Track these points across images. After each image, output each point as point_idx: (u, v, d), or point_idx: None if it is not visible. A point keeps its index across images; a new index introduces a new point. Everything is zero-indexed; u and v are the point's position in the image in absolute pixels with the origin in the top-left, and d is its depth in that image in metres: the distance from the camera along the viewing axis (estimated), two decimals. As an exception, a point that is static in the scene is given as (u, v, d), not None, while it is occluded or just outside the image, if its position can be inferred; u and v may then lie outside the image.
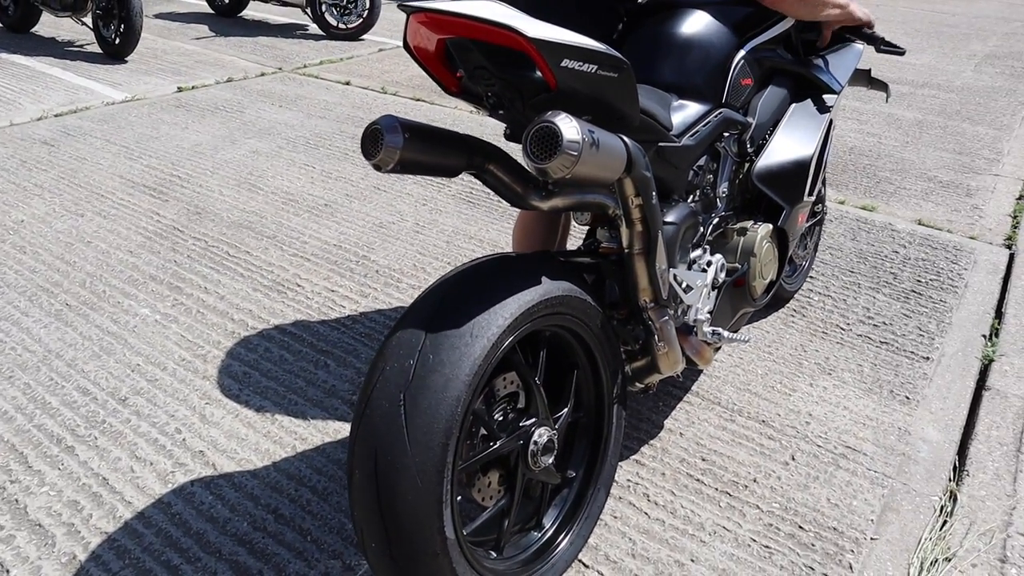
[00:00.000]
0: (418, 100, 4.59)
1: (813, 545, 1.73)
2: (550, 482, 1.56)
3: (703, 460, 1.96)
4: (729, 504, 1.83)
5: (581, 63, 1.29)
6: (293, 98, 4.64)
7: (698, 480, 1.90)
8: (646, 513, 1.80)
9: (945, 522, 1.81)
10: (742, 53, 1.83)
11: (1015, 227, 3.29)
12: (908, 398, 2.21)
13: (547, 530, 1.59)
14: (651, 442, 2.01)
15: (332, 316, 2.49)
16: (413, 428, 1.21)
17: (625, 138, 1.37)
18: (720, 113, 1.78)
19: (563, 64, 1.27)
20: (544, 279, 1.41)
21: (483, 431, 1.43)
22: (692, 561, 1.68)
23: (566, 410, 1.56)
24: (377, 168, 1.38)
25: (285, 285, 2.66)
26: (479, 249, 2.92)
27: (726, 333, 1.71)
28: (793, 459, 1.97)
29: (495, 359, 1.30)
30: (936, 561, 1.70)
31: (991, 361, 2.39)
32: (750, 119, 1.90)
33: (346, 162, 3.70)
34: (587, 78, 1.32)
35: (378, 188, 3.43)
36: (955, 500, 1.87)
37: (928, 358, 2.39)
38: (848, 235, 3.19)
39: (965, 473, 1.95)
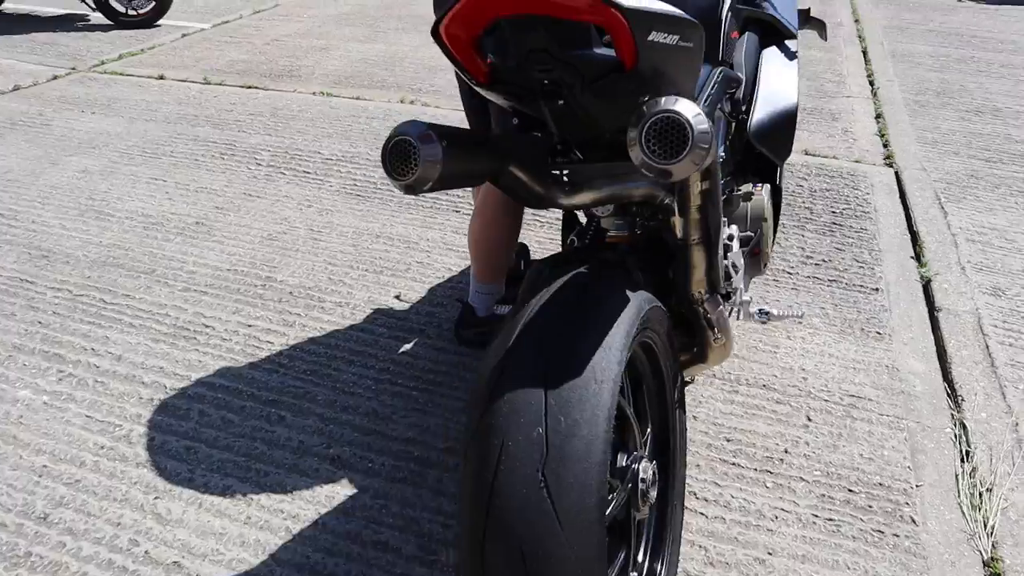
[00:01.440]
0: (251, 88, 4.11)
1: (870, 507, 1.69)
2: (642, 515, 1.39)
3: (728, 441, 1.87)
4: (775, 483, 1.75)
5: (666, 35, 1.10)
6: (105, 102, 4.00)
7: (734, 464, 1.80)
8: (703, 514, 1.68)
9: (968, 451, 1.84)
10: (728, 3, 1.69)
11: (887, 146, 3.45)
12: (880, 333, 2.23)
13: (642, 565, 1.42)
14: (670, 432, 1.89)
15: (261, 356, 2.15)
16: (564, 511, 0.99)
17: None
18: (721, 72, 1.63)
19: (650, 38, 1.07)
20: (628, 295, 1.22)
21: None
22: (770, 555, 1.59)
23: (648, 431, 1.39)
24: (410, 190, 1.12)
25: (190, 329, 2.27)
26: (392, 249, 2.64)
27: (775, 310, 1.60)
28: (810, 420, 1.93)
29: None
30: (980, 495, 1.72)
31: (929, 281, 2.48)
32: (740, 74, 1.77)
33: (199, 169, 3.23)
34: (667, 52, 1.13)
35: (249, 195, 3.03)
36: (965, 428, 1.91)
37: (877, 289, 2.44)
38: (745, 174, 3.20)
39: (960, 399, 1.99)
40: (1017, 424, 1.92)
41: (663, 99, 1.01)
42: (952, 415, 1.95)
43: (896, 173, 3.19)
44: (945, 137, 3.52)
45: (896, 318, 2.30)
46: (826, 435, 1.88)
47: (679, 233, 1.38)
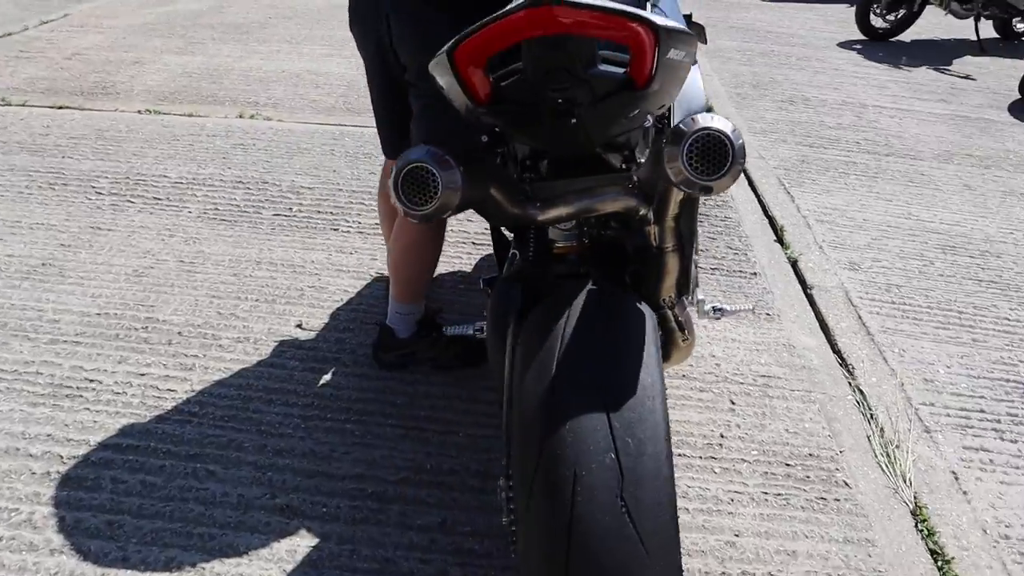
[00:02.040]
0: (63, 108, 3.70)
1: (808, 477, 1.83)
2: None
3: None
4: (722, 468, 1.85)
5: (679, 52, 1.13)
6: None
7: (681, 454, 1.88)
8: (666, 507, 1.74)
9: (871, 415, 2.04)
10: (649, 6, 1.75)
11: (722, 136, 3.71)
12: (769, 315, 2.41)
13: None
14: (614, 432, 1.94)
15: (166, 407, 1.96)
16: (647, 533, 1.00)
17: None
18: None
19: (668, 56, 1.10)
20: (638, 305, 1.24)
21: None
22: (737, 536, 1.68)
23: None
24: (425, 219, 1.09)
25: (72, 386, 2.02)
26: (279, 276, 2.49)
27: (728, 306, 1.68)
28: (734, 403, 2.05)
29: None
30: (891, 452, 1.92)
31: (796, 262, 2.71)
32: None
33: (28, 203, 2.87)
34: (675, 69, 1.16)
35: (97, 228, 2.73)
36: (863, 393, 2.11)
37: (756, 273, 2.63)
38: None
39: (851, 367, 2.21)
40: (903, 384, 2.15)
41: (699, 116, 1.04)
42: (849, 383, 2.15)
43: (739, 162, 3.44)
44: (771, 126, 3.86)
45: (779, 299, 2.50)
46: (752, 416, 2.01)
47: (655, 240, 1.42)
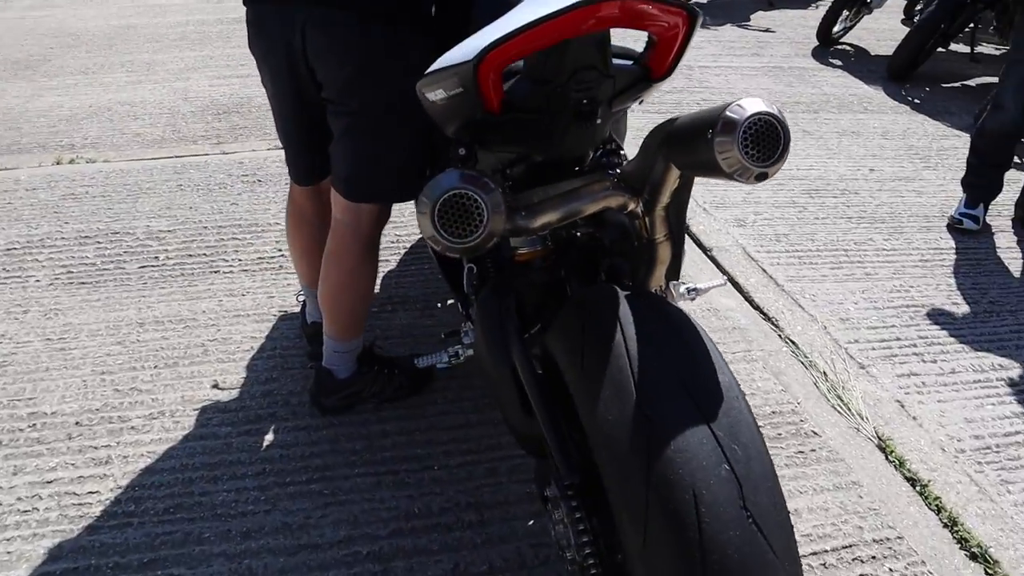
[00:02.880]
0: None
1: (780, 434, 1.89)
2: None
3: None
4: (702, 443, 1.86)
5: (692, 37, 1.10)
6: None
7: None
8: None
9: (811, 362, 2.13)
10: None
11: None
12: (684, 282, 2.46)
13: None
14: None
15: (94, 514, 1.69)
16: (773, 538, 0.97)
17: None
18: None
19: (691, 43, 1.07)
20: (669, 304, 1.20)
21: None
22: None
23: None
24: (470, 252, 1.01)
25: (-36, 513, 1.70)
26: (171, 334, 2.22)
27: (700, 285, 1.68)
28: (687, 377, 2.07)
29: None
30: (839, 396, 2.02)
31: (687, 227, 2.78)
32: None
33: None
34: (681, 55, 1.13)
35: (-77, 319, 2.31)
36: (795, 343, 2.21)
37: (657, 244, 2.67)
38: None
39: (775, 320, 2.30)
40: (825, 327, 2.27)
41: (744, 102, 1.00)
42: (780, 336, 2.24)
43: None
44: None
45: (686, 266, 2.55)
46: (707, 386, 2.04)
47: (647, 232, 1.38)
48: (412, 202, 1.45)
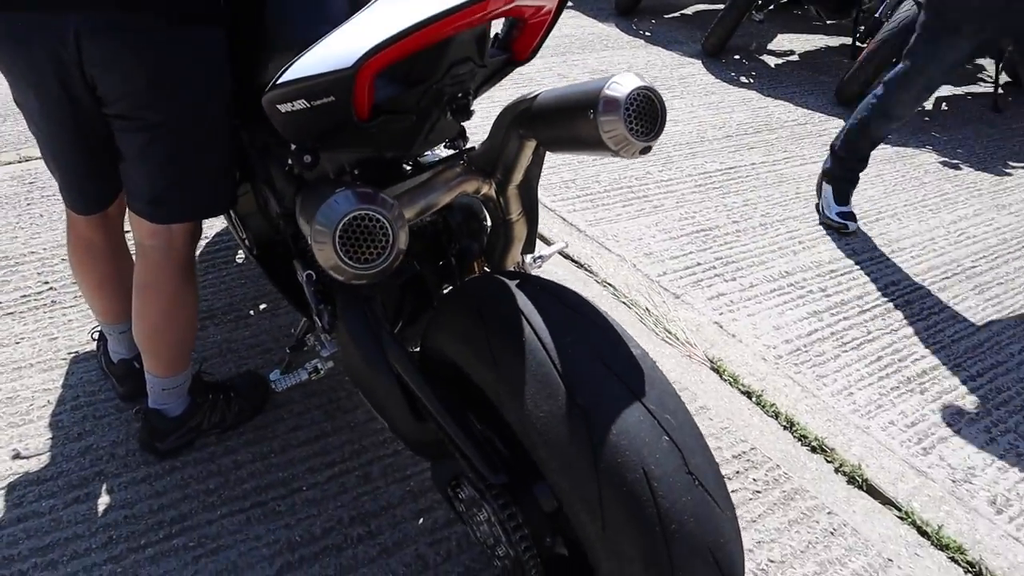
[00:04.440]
0: None
1: (627, 376, 1.99)
2: None
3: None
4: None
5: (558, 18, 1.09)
6: None
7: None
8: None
9: (632, 300, 2.26)
10: None
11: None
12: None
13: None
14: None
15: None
16: (715, 492, 1.03)
17: None
18: None
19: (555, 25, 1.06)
20: (567, 286, 1.21)
21: None
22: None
23: None
24: (380, 276, 0.96)
25: None
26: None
27: (545, 251, 1.69)
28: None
29: None
30: (664, 327, 2.16)
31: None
32: None
33: None
34: (546, 36, 1.12)
35: None
36: (612, 285, 2.32)
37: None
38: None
39: (587, 267, 2.40)
40: (635, 265, 2.41)
41: (619, 78, 1.01)
42: (597, 281, 2.34)
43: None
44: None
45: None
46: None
47: (501, 212, 1.37)
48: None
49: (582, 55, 3.98)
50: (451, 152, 1.37)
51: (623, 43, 4.20)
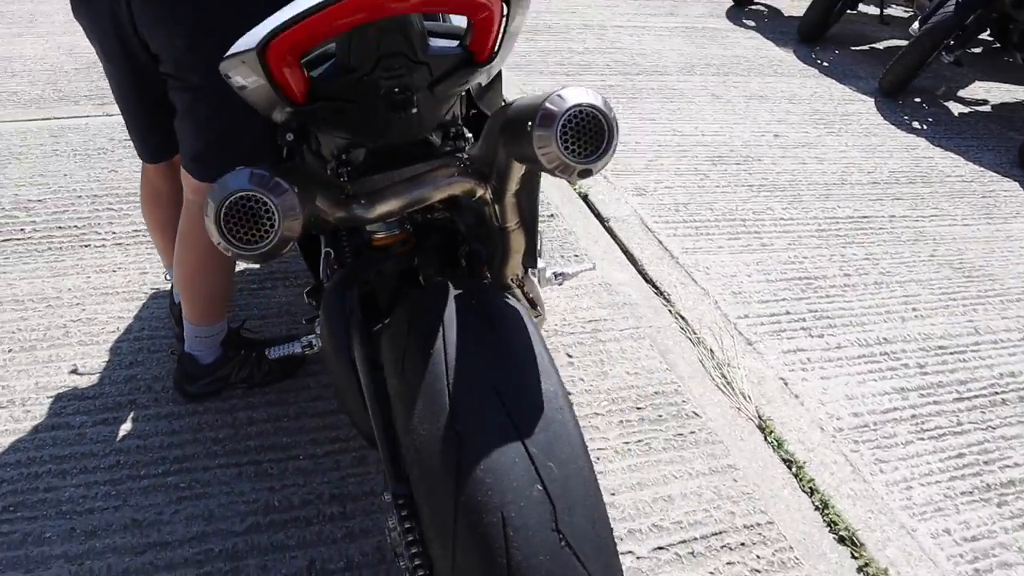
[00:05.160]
0: None
1: (661, 416, 1.86)
2: None
3: (517, 402, 1.88)
4: (582, 426, 1.82)
5: (524, 14, 1.01)
6: None
7: (536, 422, 1.83)
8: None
9: (698, 338, 2.10)
10: None
11: (482, 75, 3.62)
12: (577, 255, 2.41)
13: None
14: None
15: (-75, 512, 1.58)
16: (589, 557, 0.92)
17: None
18: None
19: (515, 23, 0.99)
20: (509, 301, 1.14)
21: None
22: (613, 495, 1.67)
23: None
24: (265, 259, 0.91)
25: None
26: (30, 315, 2.08)
27: (569, 270, 1.61)
28: (570, 356, 2.03)
29: None
30: (725, 374, 1.99)
31: (586, 196, 2.72)
32: None
33: None
34: (516, 34, 1.04)
35: None
36: (684, 319, 2.17)
37: (552, 215, 2.60)
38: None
39: (667, 295, 2.26)
40: (716, 302, 2.24)
41: (566, 92, 0.93)
42: (670, 311, 2.20)
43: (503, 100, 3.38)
44: (524, 58, 3.82)
45: (582, 238, 2.50)
46: (591, 365, 2.00)
47: (497, 220, 1.30)
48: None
49: (744, 78, 3.77)
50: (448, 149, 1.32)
51: (794, 71, 3.93)
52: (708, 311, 2.21)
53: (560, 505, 0.91)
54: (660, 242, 2.48)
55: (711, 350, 2.06)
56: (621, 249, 2.46)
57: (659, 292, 2.27)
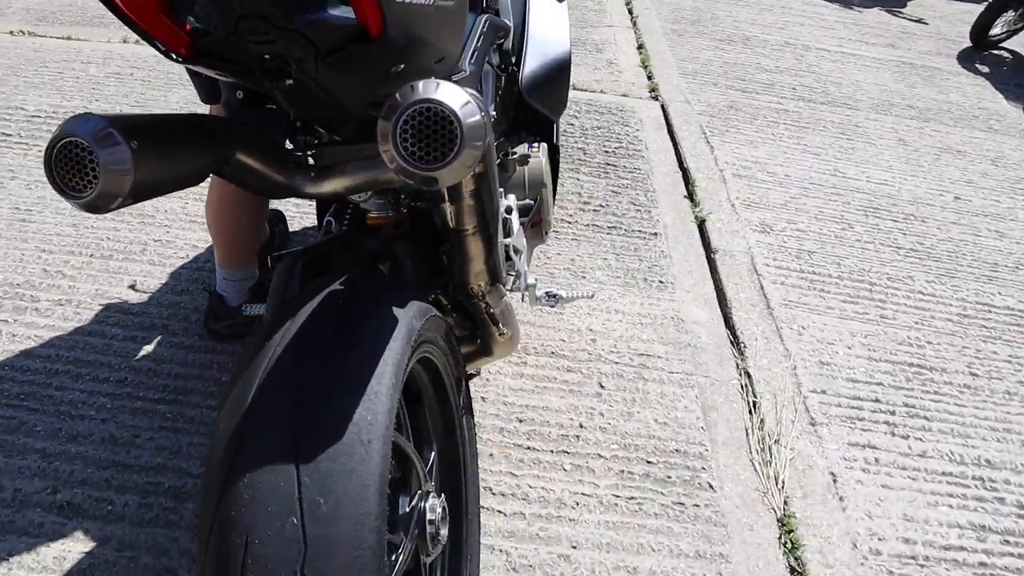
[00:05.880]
0: (68, 38, 3.33)
1: (669, 477, 1.64)
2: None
3: (520, 421, 1.74)
4: (573, 465, 1.65)
5: None
6: None
7: (528, 448, 1.68)
8: (500, 511, 1.55)
9: (755, 403, 1.84)
10: None
11: (651, 78, 3.43)
12: (662, 282, 2.20)
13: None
14: (461, 420, 1.73)
15: (-43, 381, 1.72)
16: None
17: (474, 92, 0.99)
18: (487, 20, 1.42)
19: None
20: (397, 312, 1.01)
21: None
22: (574, 548, 1.49)
23: (433, 454, 1.21)
24: (92, 209, 0.84)
25: None
26: (123, 227, 2.23)
27: (563, 292, 1.45)
28: (602, 387, 1.85)
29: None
30: (769, 448, 1.73)
31: (703, 222, 2.48)
32: (507, 21, 1.56)
33: None
34: (423, 14, 0.90)
35: (-70, 166, 2.44)
36: (750, 377, 1.91)
37: (656, 234, 2.40)
38: (518, 114, 3.05)
39: (742, 345, 2.00)
40: (796, 368, 1.95)
41: (420, 84, 0.79)
42: (737, 365, 1.95)
43: (662, 107, 3.17)
44: (704, 67, 3.57)
45: (676, 264, 2.28)
46: (620, 402, 1.81)
47: (452, 222, 1.18)
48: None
49: (946, 128, 3.26)
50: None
51: (1014, 129, 3.37)
52: (781, 375, 1.93)
53: (314, 549, 0.79)
54: (761, 287, 2.21)
55: (763, 419, 1.80)
56: (714, 285, 2.21)
57: (735, 342, 2.02)
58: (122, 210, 2.29)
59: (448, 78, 1.23)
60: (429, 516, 1.08)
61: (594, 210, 2.49)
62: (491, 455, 1.66)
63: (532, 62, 1.59)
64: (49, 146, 0.81)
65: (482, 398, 1.79)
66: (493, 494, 1.57)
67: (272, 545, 0.78)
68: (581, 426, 1.74)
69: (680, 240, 2.38)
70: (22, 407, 1.67)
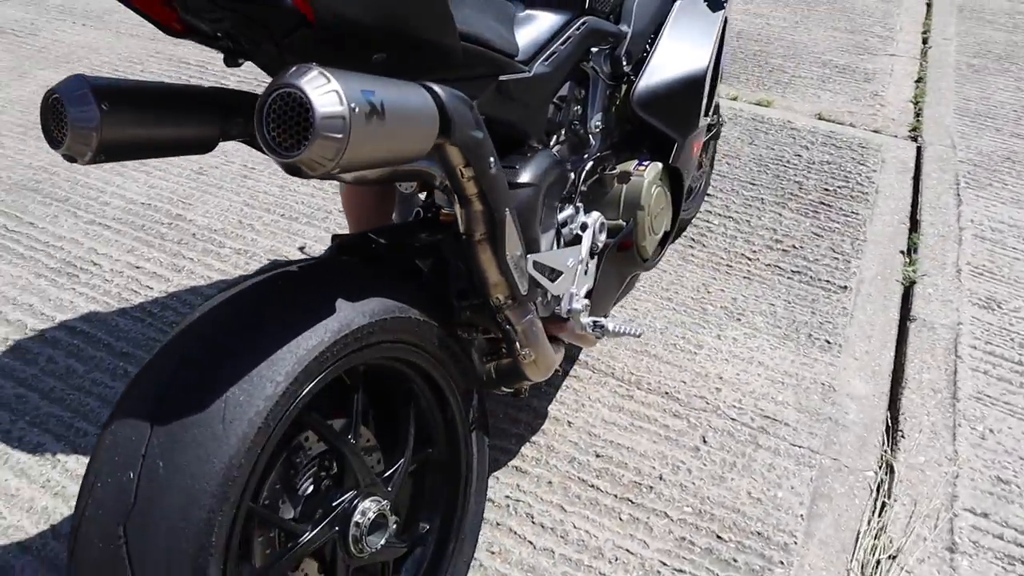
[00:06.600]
0: None
1: (735, 561, 1.42)
2: (391, 558, 1.17)
3: (597, 456, 1.61)
4: (632, 516, 1.49)
5: None
6: (99, 13, 3.88)
7: (592, 486, 1.55)
8: (531, 542, 1.44)
9: (884, 504, 1.53)
10: None
11: (918, 115, 2.99)
12: (829, 342, 1.90)
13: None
14: (533, 438, 1.64)
15: (135, 302, 1.99)
16: (144, 573, 0.79)
17: (435, 87, 0.92)
18: (584, 23, 1.32)
19: None
20: (342, 303, 0.98)
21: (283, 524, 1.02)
22: (591, 606, 1.35)
23: (402, 462, 1.15)
24: (70, 159, 0.91)
25: (77, 265, 2.12)
26: (319, 194, 2.43)
27: (611, 325, 1.32)
28: (704, 441, 1.65)
29: (269, 442, 0.89)
30: (879, 562, 1.42)
31: (912, 283, 2.10)
32: (623, 27, 1.45)
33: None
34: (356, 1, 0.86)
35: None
36: (892, 472, 1.59)
37: (846, 287, 2.09)
38: (745, 138, 2.82)
39: (899, 434, 1.67)
40: (957, 476, 1.59)
41: (294, 67, 0.75)
42: (882, 455, 1.63)
43: (918, 148, 2.75)
44: (991, 110, 3.03)
45: (856, 326, 1.96)
46: (717, 463, 1.60)
47: (461, 226, 1.11)
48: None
49: None
50: None
51: None
52: (934, 480, 1.58)
53: (140, 508, 0.80)
54: (955, 371, 1.82)
55: (885, 526, 1.48)
56: (894, 358, 1.87)
57: (892, 428, 1.69)
58: (327, 182, 2.49)
59: (493, 77, 1.17)
60: (356, 518, 1.03)
61: (783, 250, 2.22)
62: (549, 483, 1.55)
63: (653, 74, 1.46)
64: (43, 98, 0.90)
65: (569, 422, 1.68)
66: (533, 523, 1.47)
67: (108, 492, 0.82)
68: (661, 478, 1.57)
69: (872, 299, 2.05)
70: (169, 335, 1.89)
